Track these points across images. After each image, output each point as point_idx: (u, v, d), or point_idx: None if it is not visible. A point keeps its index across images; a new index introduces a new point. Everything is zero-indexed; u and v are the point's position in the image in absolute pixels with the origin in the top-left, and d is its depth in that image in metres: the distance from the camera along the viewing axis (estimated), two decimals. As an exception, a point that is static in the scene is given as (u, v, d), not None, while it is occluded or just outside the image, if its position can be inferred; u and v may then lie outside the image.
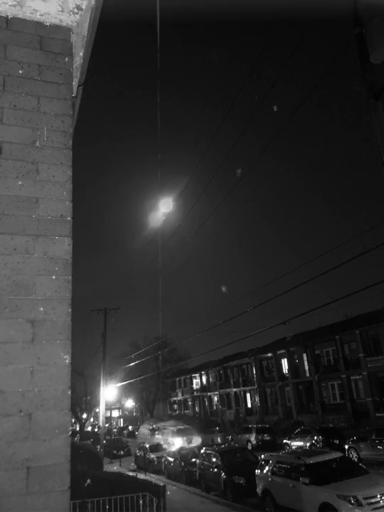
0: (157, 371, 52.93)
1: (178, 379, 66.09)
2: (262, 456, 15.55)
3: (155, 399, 62.44)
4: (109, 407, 45.51)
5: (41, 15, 2.18)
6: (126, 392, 62.92)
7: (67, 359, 1.76)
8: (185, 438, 30.98)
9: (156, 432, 35.43)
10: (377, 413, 33.80)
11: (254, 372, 48.91)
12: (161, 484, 14.08)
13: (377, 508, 10.42)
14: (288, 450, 22.10)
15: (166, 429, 35.25)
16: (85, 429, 51.60)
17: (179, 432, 32.58)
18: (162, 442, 29.93)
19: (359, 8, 3.24)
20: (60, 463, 1.65)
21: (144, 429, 38.02)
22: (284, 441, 27.82)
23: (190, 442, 29.94)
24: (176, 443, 28.97)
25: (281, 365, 46.19)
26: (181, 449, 23.82)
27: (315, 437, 25.27)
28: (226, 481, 15.97)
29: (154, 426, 36.51)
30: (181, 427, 35.04)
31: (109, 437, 40.67)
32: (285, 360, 45.29)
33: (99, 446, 30.27)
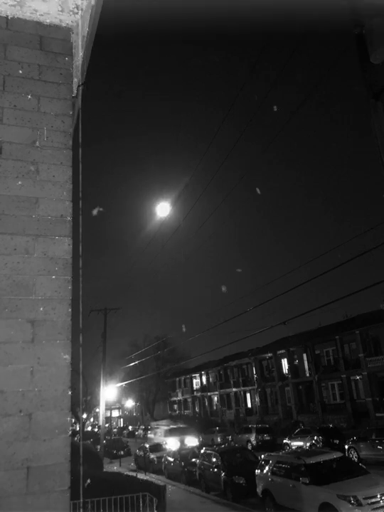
0: (157, 371, 52.94)
1: (178, 379, 66.08)
2: (262, 456, 15.55)
3: (155, 399, 62.47)
4: (109, 407, 45.51)
5: (41, 15, 2.18)
6: (126, 392, 62.93)
7: (67, 359, 1.75)
8: (178, 438, 30.56)
9: (149, 432, 35.44)
10: (377, 413, 33.79)
11: (254, 372, 48.90)
12: (161, 484, 14.10)
13: (377, 508, 10.42)
14: (288, 450, 22.11)
15: (158, 428, 35.16)
16: (85, 429, 51.57)
17: (172, 432, 32.27)
18: (157, 442, 29.77)
19: (359, 8, 3.24)
20: (60, 463, 1.65)
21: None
22: (284, 441, 27.82)
23: (182, 442, 29.44)
24: (169, 442, 28.69)
25: (281, 365, 46.18)
26: (181, 449, 23.82)
27: (315, 437, 25.27)
28: (226, 481, 15.97)
29: (148, 426, 36.46)
30: (174, 426, 34.89)
31: (109, 437, 40.68)
32: (285, 360, 45.29)
33: (99, 446, 30.26)
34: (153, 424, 37.49)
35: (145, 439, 35.48)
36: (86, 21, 2.15)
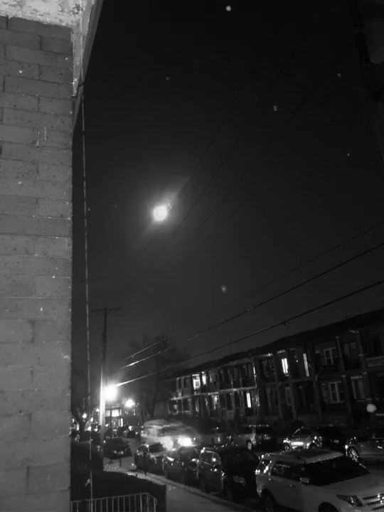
0: (157, 371, 52.95)
1: (178, 379, 66.08)
2: (262, 456, 15.55)
3: (155, 399, 62.46)
4: (109, 407, 45.53)
5: (41, 15, 2.18)
6: (126, 392, 62.96)
7: (67, 359, 1.75)
8: (170, 437, 30.53)
9: (141, 431, 35.37)
10: (377, 413, 33.79)
11: (254, 372, 48.90)
12: (161, 484, 14.10)
13: (377, 508, 10.41)
14: (288, 450, 22.11)
15: (151, 427, 35.07)
16: (85, 429, 51.58)
17: (166, 431, 32.26)
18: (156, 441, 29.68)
19: (359, 8, 3.25)
20: (60, 463, 1.65)
21: (153, 429, 36.22)
22: (284, 441, 27.81)
23: (175, 441, 29.47)
24: (162, 442, 28.68)
25: (281, 365, 46.18)
26: (181, 449, 23.83)
27: (315, 437, 25.26)
28: (226, 481, 15.97)
29: (144, 425, 36.55)
30: (168, 425, 34.69)
31: (109, 437, 40.67)
32: (285, 360, 45.29)
33: (99, 446, 30.28)
34: (147, 423, 37.49)
35: (139, 438, 35.55)
36: (86, 21, 2.15)
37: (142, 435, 36.53)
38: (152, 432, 33.76)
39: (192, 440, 31.40)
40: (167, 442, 28.87)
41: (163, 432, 32.36)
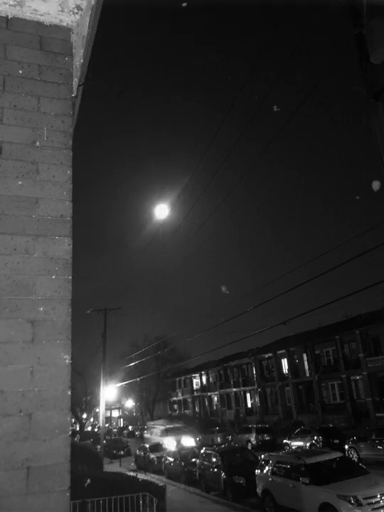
0: (157, 371, 52.97)
1: (178, 379, 66.10)
2: (262, 456, 15.55)
3: (155, 399, 62.48)
4: (109, 407, 45.48)
5: (41, 15, 2.18)
6: (126, 392, 62.95)
7: (67, 359, 1.75)
8: (173, 437, 30.82)
9: (145, 431, 35.29)
10: (377, 413, 33.80)
11: (254, 372, 48.91)
12: (161, 484, 14.10)
13: (377, 508, 10.42)
14: (288, 450, 22.11)
15: (154, 428, 35.10)
16: (85, 429, 51.59)
17: (168, 431, 32.46)
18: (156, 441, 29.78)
19: (359, 8, 3.25)
20: (60, 463, 1.65)
21: (156, 430, 35.79)
22: (284, 441, 27.82)
23: (178, 442, 29.72)
24: (166, 442, 28.86)
25: (281, 365, 46.19)
26: (181, 449, 23.84)
27: (315, 437, 25.27)
28: (226, 481, 15.97)
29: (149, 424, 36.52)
30: (170, 425, 34.80)
31: (109, 437, 40.65)
32: (285, 360, 45.31)
33: (99, 446, 30.27)
34: (150, 423, 37.41)
35: (141, 438, 35.59)
36: (86, 21, 2.14)
37: (145, 435, 36.58)
38: (155, 433, 33.84)
39: (195, 440, 31.49)
40: (170, 442, 28.93)
41: (166, 432, 32.52)
